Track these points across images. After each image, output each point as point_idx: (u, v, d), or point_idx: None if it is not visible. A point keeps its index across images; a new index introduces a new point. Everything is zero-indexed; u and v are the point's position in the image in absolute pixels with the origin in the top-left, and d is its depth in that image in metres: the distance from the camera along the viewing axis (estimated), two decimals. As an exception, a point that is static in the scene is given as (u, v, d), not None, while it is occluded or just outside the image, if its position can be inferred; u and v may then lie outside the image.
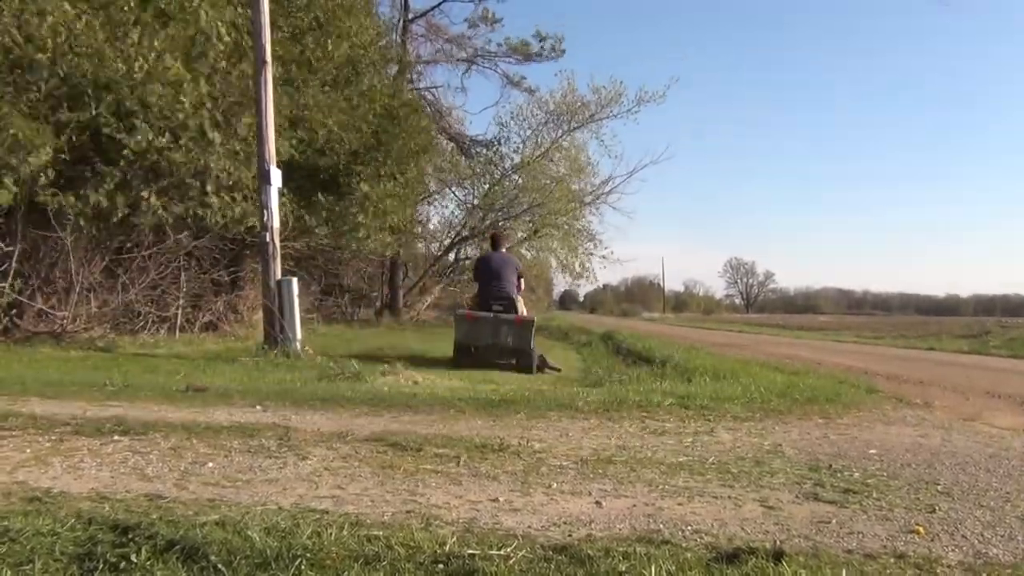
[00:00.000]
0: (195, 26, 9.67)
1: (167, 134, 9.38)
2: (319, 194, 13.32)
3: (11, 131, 8.01)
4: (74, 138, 8.71)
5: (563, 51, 22.03)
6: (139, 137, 9.01)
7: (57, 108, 8.82)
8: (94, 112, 8.82)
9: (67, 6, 8.43)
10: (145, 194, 9.42)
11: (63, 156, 8.57)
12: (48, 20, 8.24)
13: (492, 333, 8.47)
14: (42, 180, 8.46)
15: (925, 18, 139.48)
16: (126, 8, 9.16)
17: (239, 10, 10.31)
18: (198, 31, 9.71)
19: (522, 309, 8.95)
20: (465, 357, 8.57)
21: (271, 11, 9.15)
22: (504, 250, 9.75)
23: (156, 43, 9.18)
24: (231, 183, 10.25)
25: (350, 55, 13.41)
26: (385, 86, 14.96)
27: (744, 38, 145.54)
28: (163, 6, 9.53)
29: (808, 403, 5.13)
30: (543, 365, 8.59)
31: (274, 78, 9.37)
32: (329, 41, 12.75)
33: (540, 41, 21.87)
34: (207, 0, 9.65)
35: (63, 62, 8.50)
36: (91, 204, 9.03)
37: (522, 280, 9.45)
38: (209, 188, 10.02)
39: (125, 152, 9.00)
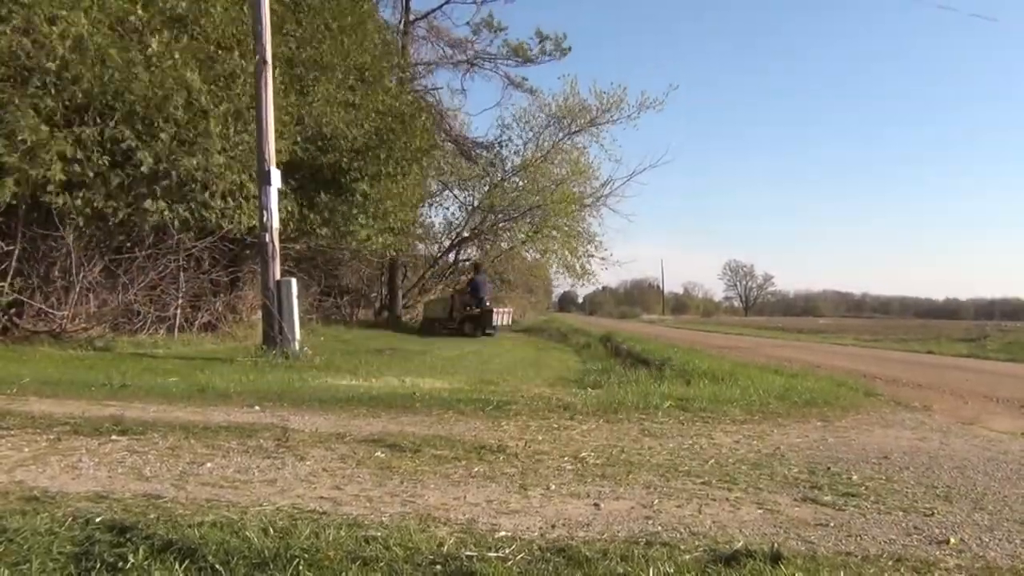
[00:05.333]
0: (211, 32, 9.62)
1: (182, 144, 9.38)
2: (321, 193, 13.32)
3: (20, 136, 8.00)
4: (90, 146, 8.67)
5: (568, 49, 21.73)
6: (156, 151, 9.06)
7: (72, 120, 8.80)
8: (112, 124, 8.80)
9: (81, 16, 8.33)
10: (149, 204, 9.41)
11: (75, 162, 8.53)
12: (59, 28, 8.16)
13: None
14: (50, 187, 8.42)
15: (929, 21, 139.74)
16: (142, 17, 9.07)
17: (244, 11, 10.29)
18: (216, 39, 9.67)
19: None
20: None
21: (280, 14, 9.07)
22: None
23: (176, 55, 9.14)
24: (234, 189, 10.23)
25: (358, 59, 13.44)
26: (387, 87, 14.97)
27: (746, 41, 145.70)
28: (179, 13, 9.48)
29: (807, 406, 5.13)
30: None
31: (282, 79, 9.28)
32: (345, 42, 12.74)
33: (540, 41, 21.71)
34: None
35: (76, 69, 8.42)
36: (93, 206, 9.01)
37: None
38: (216, 197, 10.01)
39: (142, 167, 9.04)
